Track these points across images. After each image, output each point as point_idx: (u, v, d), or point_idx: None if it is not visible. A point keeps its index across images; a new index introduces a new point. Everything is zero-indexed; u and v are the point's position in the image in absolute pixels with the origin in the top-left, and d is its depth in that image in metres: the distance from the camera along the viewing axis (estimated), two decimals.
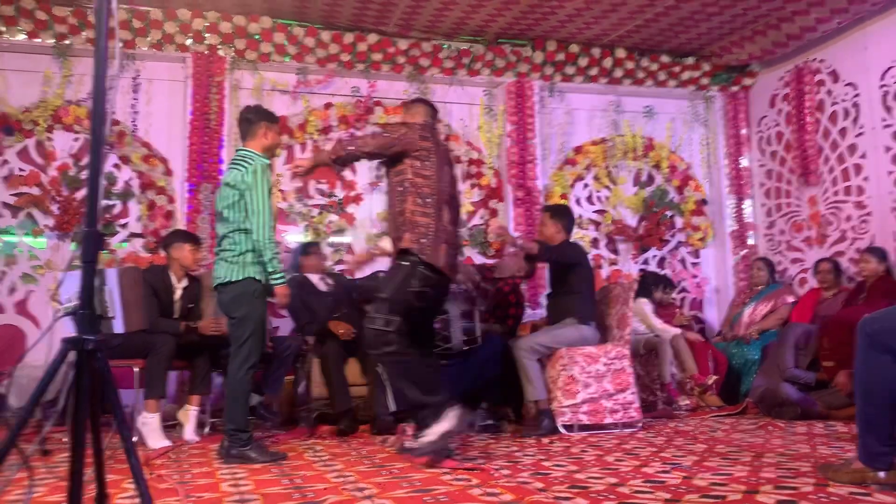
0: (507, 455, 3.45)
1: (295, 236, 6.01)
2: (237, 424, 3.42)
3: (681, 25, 6.19)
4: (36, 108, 5.56)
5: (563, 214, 4.76)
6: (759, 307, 6.01)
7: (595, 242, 6.76)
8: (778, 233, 6.74)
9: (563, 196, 6.57)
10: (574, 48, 6.51)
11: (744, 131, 7.09)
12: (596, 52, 6.58)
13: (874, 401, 2.48)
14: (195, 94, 5.82)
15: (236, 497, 2.60)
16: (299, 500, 2.51)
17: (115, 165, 5.77)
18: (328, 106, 6.21)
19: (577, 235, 6.62)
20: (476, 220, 6.53)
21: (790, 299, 5.91)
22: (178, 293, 4.55)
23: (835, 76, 6.17)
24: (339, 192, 6.21)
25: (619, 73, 6.71)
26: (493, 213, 6.46)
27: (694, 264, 7.04)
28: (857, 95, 5.93)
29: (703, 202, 7.03)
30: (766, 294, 6.05)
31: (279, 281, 3.55)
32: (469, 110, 6.65)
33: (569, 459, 3.26)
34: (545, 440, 4.00)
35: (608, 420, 4.32)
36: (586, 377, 4.35)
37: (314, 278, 5.03)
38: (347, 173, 6.22)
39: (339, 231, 6.17)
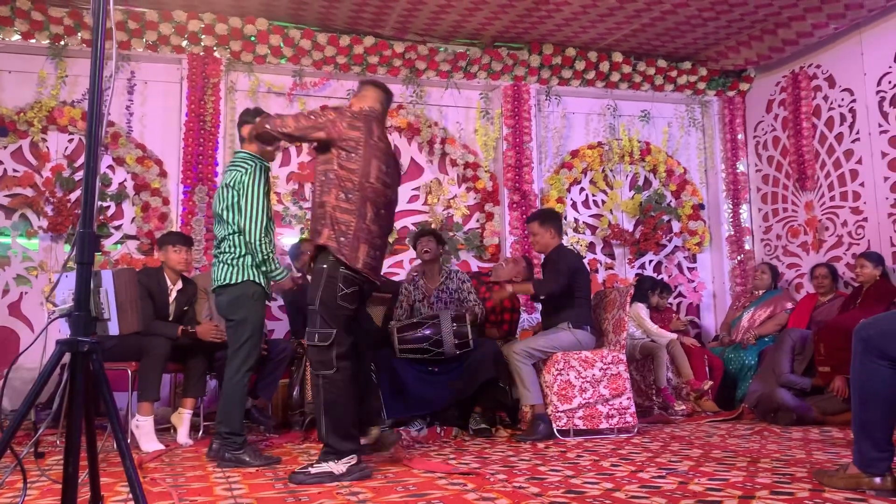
0: (503, 460, 3.44)
1: (290, 239, 6.00)
2: (232, 427, 3.41)
3: (677, 30, 6.20)
4: (30, 108, 5.55)
5: (551, 218, 4.75)
6: (759, 312, 6.02)
7: (591, 246, 6.76)
8: (774, 238, 6.76)
9: (560, 200, 6.57)
10: (571, 52, 6.52)
11: (740, 136, 7.11)
12: (593, 55, 6.59)
13: (870, 406, 2.47)
14: (190, 95, 5.80)
15: (230, 501, 2.58)
16: None
17: (110, 167, 5.75)
18: (324, 109, 6.19)
19: (573, 239, 6.63)
20: (472, 224, 6.53)
21: (789, 305, 5.92)
22: (172, 295, 4.52)
23: (831, 81, 6.18)
24: None
25: (615, 76, 6.72)
26: (490, 216, 6.45)
27: (690, 269, 7.05)
28: (853, 101, 5.95)
29: (700, 206, 7.04)
30: (766, 300, 6.06)
31: (279, 276, 3.57)
32: (465, 113, 6.65)
33: (564, 464, 3.25)
34: (541, 445, 3.99)
35: (604, 425, 4.32)
36: (582, 382, 4.34)
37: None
38: None
39: None
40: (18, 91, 5.60)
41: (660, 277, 6.74)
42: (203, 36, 5.83)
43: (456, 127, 6.59)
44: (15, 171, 5.55)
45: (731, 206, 7.02)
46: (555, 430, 4.25)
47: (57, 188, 5.54)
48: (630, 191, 6.95)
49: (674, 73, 6.85)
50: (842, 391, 4.48)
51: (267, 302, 3.66)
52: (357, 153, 3.10)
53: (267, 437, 4.49)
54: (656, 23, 6.05)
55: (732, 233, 6.98)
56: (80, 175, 5.59)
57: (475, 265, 6.39)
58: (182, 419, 4.28)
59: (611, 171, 6.91)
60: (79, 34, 5.61)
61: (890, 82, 5.63)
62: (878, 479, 2.44)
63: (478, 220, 6.54)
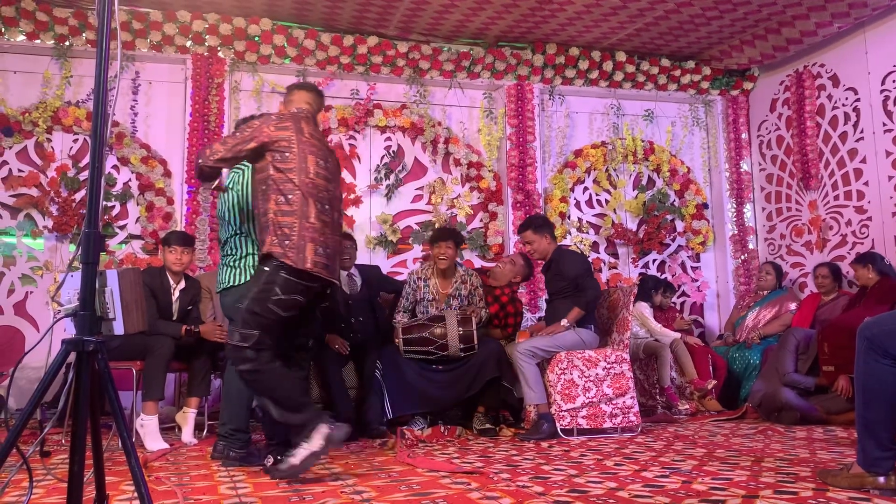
0: (507, 459, 3.44)
1: None
2: (237, 424, 3.42)
3: (681, 29, 6.20)
4: (35, 109, 5.57)
5: (543, 225, 4.74)
6: (764, 312, 6.01)
7: (595, 246, 6.76)
8: (778, 237, 6.75)
9: (563, 199, 6.57)
10: (574, 51, 6.52)
11: (744, 135, 7.10)
12: (596, 55, 6.59)
13: (874, 406, 2.47)
14: (195, 95, 5.82)
15: (234, 500, 2.59)
16: None
17: (114, 167, 5.77)
18: (328, 108, 6.21)
19: (577, 239, 6.63)
20: (476, 223, 6.53)
21: (793, 306, 5.91)
22: (175, 295, 4.54)
23: (835, 80, 6.17)
24: None
25: (619, 76, 6.72)
26: (493, 216, 6.46)
27: (694, 268, 7.04)
28: (857, 100, 5.94)
29: (704, 206, 7.03)
30: (771, 300, 6.05)
31: None
32: (469, 113, 6.65)
33: (568, 463, 3.25)
34: (544, 444, 3.99)
35: (607, 424, 4.32)
36: (586, 381, 4.34)
37: (342, 274, 4.98)
38: (346, 176, 6.22)
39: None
40: (23, 91, 5.62)
41: (663, 277, 6.74)
42: (207, 36, 5.84)
43: (459, 126, 6.59)
44: (20, 171, 5.57)
45: (734, 206, 7.01)
46: (558, 429, 4.25)
47: (62, 188, 5.56)
48: (634, 190, 6.94)
49: (677, 73, 6.85)
50: (846, 390, 4.48)
51: None
52: (291, 151, 3.04)
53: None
54: (660, 22, 6.05)
55: (736, 232, 6.98)
56: (84, 175, 5.61)
57: (479, 264, 6.39)
58: (186, 418, 4.29)
59: (614, 170, 6.91)
60: (83, 34, 5.62)
61: (894, 81, 5.62)
62: (881, 479, 2.44)
63: (481, 220, 6.54)
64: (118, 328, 3.61)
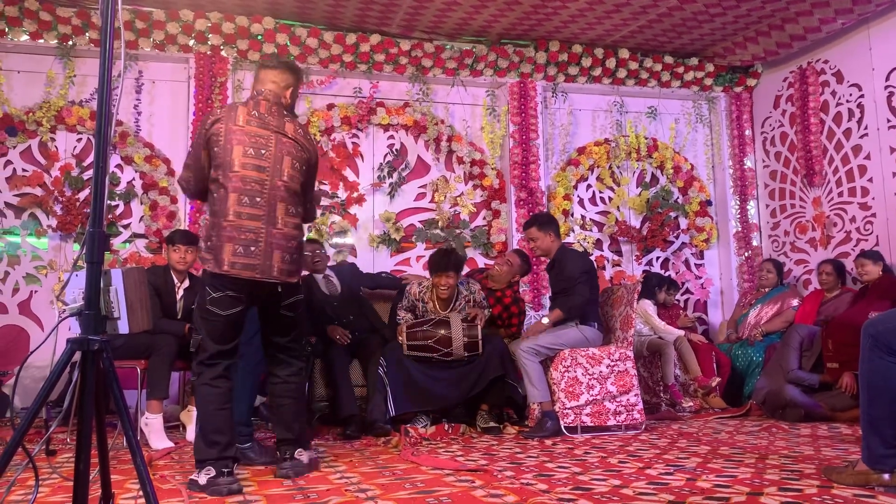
0: (511, 456, 3.45)
1: None
2: (239, 417, 3.41)
3: (684, 26, 6.19)
4: (39, 108, 5.57)
5: (548, 222, 4.74)
6: (766, 309, 6.00)
7: (598, 243, 6.75)
8: (782, 234, 6.73)
9: (567, 196, 6.57)
10: (577, 48, 6.51)
11: (748, 132, 7.08)
12: (599, 52, 6.58)
13: (878, 402, 2.47)
14: (198, 94, 5.82)
15: (239, 498, 2.60)
16: (302, 502, 2.50)
17: (118, 166, 5.77)
18: (331, 107, 6.21)
19: (580, 236, 6.62)
20: (479, 221, 6.53)
21: (795, 302, 5.90)
22: (179, 293, 4.54)
23: (839, 77, 6.16)
24: (342, 193, 6.21)
25: (622, 73, 6.71)
26: (496, 213, 6.45)
27: (698, 265, 7.03)
28: (861, 96, 5.92)
29: (708, 203, 7.02)
30: (773, 296, 6.04)
31: None
32: (472, 111, 6.65)
33: (572, 461, 3.25)
34: (548, 442, 4.00)
35: (611, 422, 4.32)
36: (589, 379, 4.34)
37: (318, 277, 5.01)
38: (349, 174, 6.23)
39: (342, 232, 6.17)
40: (27, 91, 5.63)
41: (667, 274, 6.73)
42: (210, 35, 5.84)
43: (462, 124, 6.59)
44: (24, 170, 5.59)
45: (738, 203, 7.00)
46: (562, 426, 4.26)
47: (66, 187, 5.57)
48: (637, 187, 6.93)
49: (681, 70, 6.83)
50: (850, 387, 4.47)
51: None
52: (219, 146, 2.88)
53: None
54: (663, 19, 6.03)
55: (740, 229, 6.96)
56: (88, 174, 5.63)
57: (482, 262, 6.39)
58: (191, 417, 4.29)
59: (618, 167, 6.90)
60: (87, 34, 5.63)
61: None
62: (886, 476, 2.44)
63: (484, 218, 6.54)
64: (123, 327, 3.62)
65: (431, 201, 6.45)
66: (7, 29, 5.51)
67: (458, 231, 6.38)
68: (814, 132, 6.30)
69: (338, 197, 6.19)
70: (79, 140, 5.73)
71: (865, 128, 5.87)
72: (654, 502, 2.32)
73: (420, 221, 6.38)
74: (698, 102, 7.15)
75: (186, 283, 4.58)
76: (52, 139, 5.66)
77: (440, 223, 6.34)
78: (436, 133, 6.38)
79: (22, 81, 5.64)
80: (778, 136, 6.82)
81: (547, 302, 6.29)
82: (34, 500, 1.69)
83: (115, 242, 5.69)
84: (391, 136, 6.43)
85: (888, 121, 5.65)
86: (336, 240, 6.16)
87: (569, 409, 4.28)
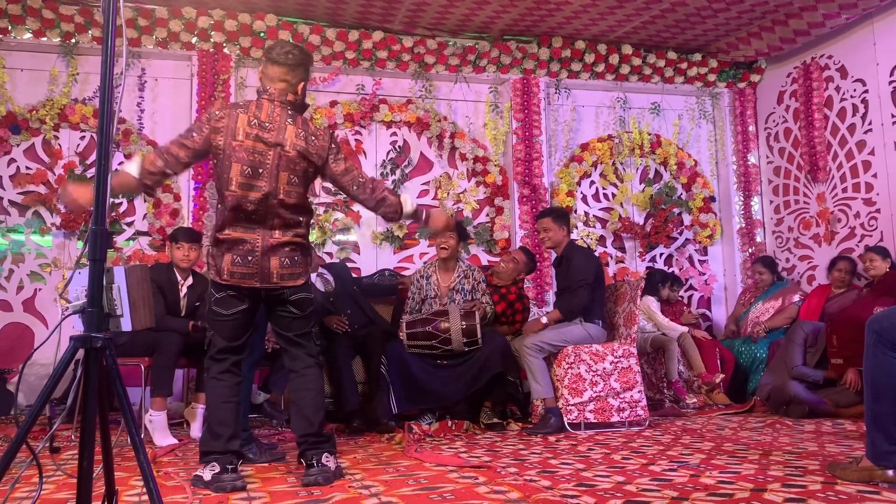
0: (514, 453, 3.45)
1: None
2: None
3: (687, 21, 6.17)
4: (42, 106, 5.58)
5: (563, 216, 4.79)
6: (767, 305, 5.99)
7: (602, 240, 6.75)
8: (786, 230, 6.72)
9: (570, 193, 6.56)
10: (580, 44, 6.50)
11: (751, 128, 7.06)
12: (602, 48, 6.56)
13: (883, 398, 2.46)
14: (200, 91, 5.82)
15: (243, 495, 2.60)
16: (305, 499, 2.51)
17: (121, 164, 5.77)
18: (333, 104, 6.20)
19: (584, 233, 6.61)
20: (482, 218, 6.53)
21: (796, 298, 5.88)
22: (182, 291, 4.55)
23: (843, 72, 6.13)
24: None
25: (625, 69, 6.69)
26: (499, 210, 6.45)
27: (701, 262, 7.01)
28: (865, 91, 5.90)
29: (711, 199, 7.00)
30: (773, 293, 6.02)
31: None
32: (475, 107, 6.64)
33: (575, 457, 3.25)
34: (552, 438, 4.00)
35: (615, 418, 4.32)
36: (593, 375, 4.34)
37: (312, 276, 5.02)
38: None
39: (345, 229, 6.17)
40: (30, 89, 5.63)
41: (671, 270, 6.72)
42: (212, 32, 5.84)
43: (465, 121, 6.58)
44: (28, 168, 5.60)
45: (742, 199, 6.98)
46: (566, 423, 4.26)
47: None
48: (640, 184, 6.92)
49: (684, 65, 6.81)
50: (855, 383, 4.46)
51: None
52: (218, 158, 2.87)
53: (279, 431, 4.52)
54: (666, 14, 6.01)
55: (744, 225, 6.95)
56: (92, 172, 5.63)
57: (485, 259, 6.39)
58: (195, 414, 4.31)
59: (621, 164, 6.88)
60: (89, 32, 5.63)
61: None
62: (890, 472, 2.43)
63: (487, 215, 6.54)
64: (126, 325, 3.62)
65: (434, 198, 6.44)
66: (10, 27, 5.51)
67: (465, 228, 6.37)
68: (818, 128, 6.28)
69: (340, 194, 6.18)
70: (82, 138, 5.74)
71: (870, 123, 5.85)
72: (657, 499, 2.32)
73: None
74: (702, 98, 7.13)
75: (190, 280, 4.59)
76: (56, 137, 5.67)
77: None
78: (439, 130, 6.38)
79: (25, 79, 5.65)
80: (782, 131, 6.80)
81: (550, 298, 6.30)
82: (38, 497, 1.70)
83: (119, 240, 5.70)
84: (394, 133, 6.42)
85: (893, 116, 5.63)
86: (339, 237, 6.16)
87: (572, 405, 4.28)
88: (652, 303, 5.88)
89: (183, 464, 3.34)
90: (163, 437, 4.00)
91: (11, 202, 5.55)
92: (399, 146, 6.41)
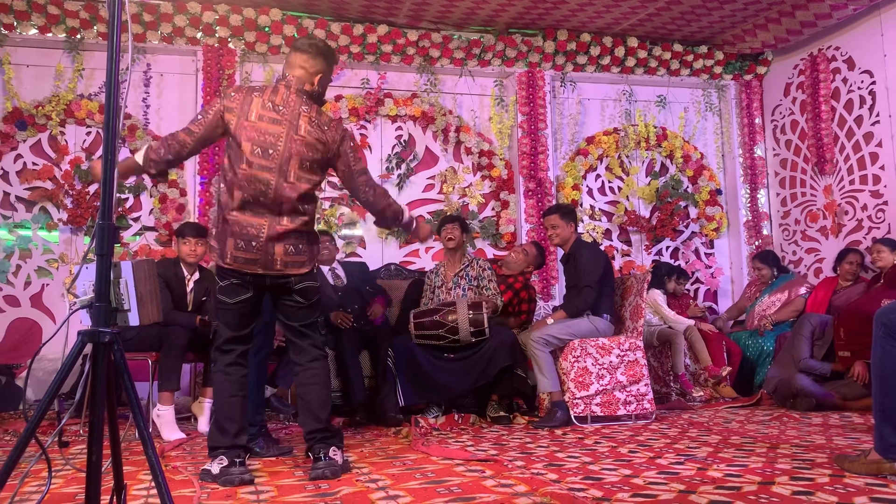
0: (521, 446, 3.45)
1: None
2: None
3: (693, 13, 6.14)
4: (48, 102, 5.60)
5: (571, 213, 4.78)
6: (772, 298, 5.96)
7: (608, 233, 6.73)
8: (793, 222, 6.69)
9: (576, 187, 6.54)
10: (586, 37, 6.47)
11: (758, 120, 7.04)
12: (608, 41, 6.53)
13: (891, 391, 2.46)
14: (206, 87, 5.83)
15: (251, 488, 2.61)
16: (313, 492, 2.51)
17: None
18: (338, 98, 6.20)
19: (589, 226, 6.60)
20: (487, 212, 6.52)
21: (802, 290, 5.86)
22: (189, 286, 4.56)
23: (850, 63, 6.10)
24: None
25: (631, 62, 6.67)
26: (505, 204, 6.44)
27: (708, 255, 7.00)
28: (873, 83, 5.86)
29: (718, 192, 6.98)
30: (780, 285, 5.99)
31: None
32: (480, 101, 6.62)
33: (582, 451, 3.25)
34: (558, 432, 4.00)
35: (622, 412, 4.31)
36: (599, 369, 4.34)
37: (324, 269, 5.03)
38: None
39: (351, 224, 6.17)
40: (36, 85, 5.65)
41: (677, 264, 6.70)
42: (217, 27, 5.84)
43: (470, 115, 6.57)
44: (34, 164, 5.62)
45: (748, 191, 6.96)
46: (572, 416, 4.26)
47: (76, 181, 5.60)
48: (646, 177, 6.90)
49: (690, 58, 6.78)
50: (862, 376, 4.45)
51: None
52: (230, 137, 2.85)
53: (287, 425, 4.53)
54: (672, 6, 5.98)
55: (750, 218, 6.92)
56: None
57: (491, 253, 6.38)
58: (202, 408, 4.32)
59: (627, 157, 6.87)
60: (95, 27, 5.64)
61: None
62: None
63: (493, 209, 6.53)
64: (133, 319, 3.63)
65: (440, 192, 6.44)
66: (16, 23, 5.53)
67: (467, 222, 6.37)
68: (825, 120, 6.25)
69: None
70: (88, 133, 5.76)
71: (877, 115, 5.82)
72: (664, 492, 2.32)
73: (429, 213, 6.38)
74: (708, 91, 7.10)
75: (197, 275, 4.60)
76: (62, 133, 5.69)
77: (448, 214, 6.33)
78: (444, 124, 6.37)
79: (31, 75, 5.66)
80: (788, 123, 6.76)
81: (556, 292, 6.29)
82: (47, 491, 1.71)
83: (126, 235, 5.72)
84: (399, 128, 6.42)
85: None
86: (345, 231, 6.16)
87: (579, 398, 4.28)
88: (658, 296, 5.87)
89: (191, 458, 3.36)
90: (170, 432, 4.02)
91: (18, 198, 5.57)
92: (404, 140, 6.41)
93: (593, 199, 6.76)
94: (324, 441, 2.88)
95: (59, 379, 1.61)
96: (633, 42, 6.58)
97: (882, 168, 5.76)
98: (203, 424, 4.27)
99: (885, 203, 5.71)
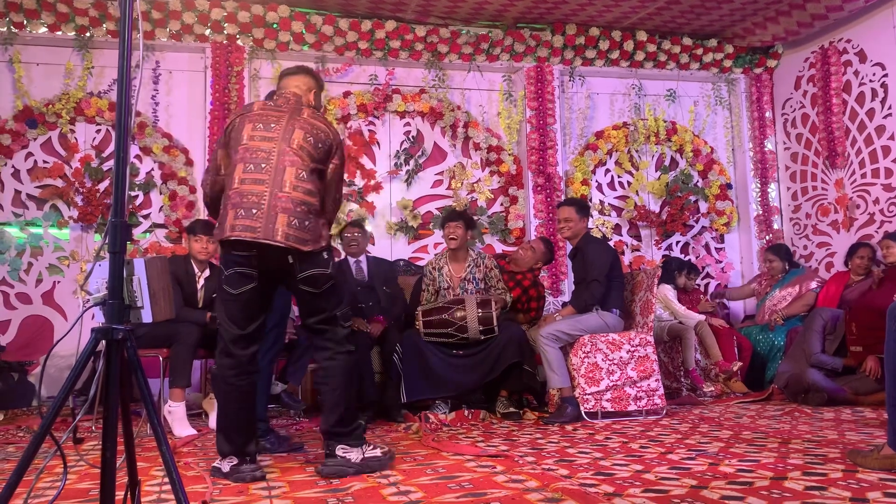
0: (531, 442, 3.45)
1: None
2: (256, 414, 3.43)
3: (703, 7, 6.10)
4: (58, 100, 5.62)
5: (586, 208, 4.83)
6: (783, 293, 5.93)
7: (617, 228, 6.71)
8: (804, 217, 6.65)
9: (585, 182, 6.53)
10: (594, 31, 6.45)
11: (768, 114, 6.99)
12: (617, 35, 6.50)
13: None
14: (214, 84, 5.84)
15: (262, 484, 2.62)
16: (325, 488, 2.52)
17: (137, 156, 5.81)
18: (347, 94, 6.20)
19: (599, 221, 6.58)
20: (496, 208, 6.51)
21: (813, 285, 5.82)
22: (200, 282, 4.58)
23: (862, 56, 6.05)
24: (359, 181, 6.21)
25: (640, 56, 6.63)
26: (514, 200, 6.43)
27: (718, 249, 6.97)
28: (885, 75, 5.81)
29: (728, 186, 6.94)
30: (790, 280, 5.96)
31: None
32: (488, 96, 6.61)
33: (593, 446, 3.25)
34: (569, 427, 3.99)
35: (632, 407, 4.30)
36: (609, 364, 4.33)
37: (351, 261, 5.04)
38: (366, 162, 6.23)
39: (360, 220, 6.17)
40: (46, 83, 5.67)
41: (687, 259, 6.68)
42: (226, 24, 5.85)
43: (479, 110, 6.56)
44: (45, 162, 5.64)
45: (759, 186, 6.92)
46: (582, 412, 4.25)
47: (86, 178, 5.63)
48: (656, 171, 6.87)
49: (699, 51, 6.75)
50: (874, 371, 4.42)
51: None
52: (234, 134, 2.87)
53: (297, 421, 4.55)
54: (681, 0, 5.95)
55: (761, 212, 6.89)
56: (108, 165, 5.67)
57: (500, 248, 6.37)
58: (213, 404, 4.32)
59: (636, 151, 6.84)
60: (104, 25, 5.66)
61: None
62: None
63: (502, 204, 6.52)
64: (146, 316, 3.64)
65: (448, 188, 6.43)
66: (26, 21, 5.55)
67: (475, 218, 6.36)
68: (836, 113, 6.21)
69: (355, 185, 6.19)
70: (98, 131, 5.78)
71: (889, 108, 5.77)
72: (676, 487, 2.31)
73: (437, 208, 6.37)
74: (718, 84, 7.06)
75: (207, 272, 4.61)
76: (72, 130, 5.71)
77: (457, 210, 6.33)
78: (452, 119, 6.36)
79: (41, 73, 5.69)
80: (799, 117, 6.72)
81: (565, 287, 6.28)
82: (63, 488, 1.72)
83: (136, 233, 5.74)
84: (407, 124, 6.41)
85: None
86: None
87: (589, 394, 4.27)
88: (668, 291, 5.85)
89: (202, 454, 3.37)
90: (182, 428, 4.04)
91: (29, 196, 5.60)
92: (412, 136, 6.40)
93: (603, 194, 6.74)
94: (334, 439, 2.82)
95: (74, 376, 1.61)
96: (642, 36, 6.55)
97: (894, 161, 5.72)
98: (213, 421, 4.28)
99: None
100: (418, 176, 6.36)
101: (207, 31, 5.88)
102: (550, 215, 6.27)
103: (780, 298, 5.91)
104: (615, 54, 6.59)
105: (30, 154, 5.63)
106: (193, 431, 4.04)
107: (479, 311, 4.46)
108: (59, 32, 5.64)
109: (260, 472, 2.72)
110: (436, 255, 5.16)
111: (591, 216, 6.55)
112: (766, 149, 6.94)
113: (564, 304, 4.81)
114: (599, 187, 6.73)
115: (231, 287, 2.79)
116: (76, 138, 5.72)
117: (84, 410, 2.42)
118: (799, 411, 4.35)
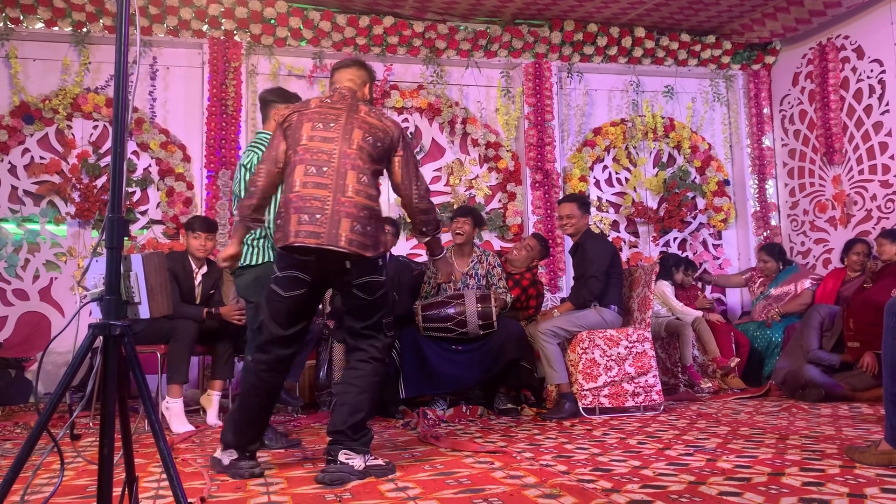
0: (529, 438, 3.45)
1: None
2: None
3: (701, 3, 6.09)
4: (55, 96, 5.61)
5: (588, 206, 4.85)
6: (777, 292, 5.93)
7: (615, 225, 6.72)
8: (801, 213, 6.66)
9: (583, 178, 6.52)
10: (592, 28, 6.44)
11: (766, 110, 6.99)
12: (615, 31, 6.50)
13: None
14: (212, 79, 5.83)
15: (260, 481, 2.62)
16: (322, 484, 2.52)
17: (134, 152, 5.80)
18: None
19: (597, 217, 6.58)
20: (494, 204, 6.51)
21: (807, 283, 5.83)
22: (197, 279, 4.57)
23: (860, 52, 6.05)
24: None
25: (638, 52, 6.63)
26: (512, 196, 6.43)
27: (716, 246, 6.97)
28: (882, 72, 5.82)
29: (725, 183, 6.95)
30: (785, 278, 5.96)
31: None
32: (486, 93, 6.60)
33: (591, 442, 3.25)
34: (567, 423, 4.00)
35: (630, 403, 4.31)
36: (607, 360, 4.33)
37: None
38: None
39: None
40: (43, 79, 5.66)
41: (685, 255, 6.68)
42: (223, 20, 5.84)
43: (477, 106, 6.55)
44: (42, 158, 5.63)
45: (756, 182, 6.92)
46: (580, 408, 4.25)
47: (83, 175, 5.61)
48: (654, 168, 6.87)
49: (697, 48, 6.75)
50: (871, 367, 4.43)
51: None
52: (291, 130, 2.84)
53: (295, 417, 4.55)
54: None
55: (758, 209, 6.89)
56: (105, 161, 5.66)
57: (497, 245, 6.37)
58: (211, 401, 4.34)
59: (634, 148, 6.84)
60: (101, 21, 5.64)
61: None
62: None
63: (500, 201, 6.52)
64: (144, 312, 3.63)
65: (446, 184, 6.43)
66: (22, 17, 5.53)
67: (482, 216, 6.35)
68: (834, 109, 6.21)
69: None
70: (95, 127, 5.77)
71: (887, 104, 5.77)
72: (674, 483, 2.31)
73: (436, 205, 6.35)
74: (716, 81, 7.06)
75: (205, 268, 4.61)
76: (69, 126, 5.70)
77: (455, 206, 6.32)
78: (450, 115, 6.35)
79: (38, 69, 5.67)
80: (797, 113, 6.72)
81: (563, 283, 6.28)
82: (60, 484, 1.71)
83: (133, 229, 5.73)
84: (405, 119, 6.40)
85: None
86: None
87: (587, 390, 4.28)
88: (666, 287, 5.85)
89: (200, 450, 3.37)
90: (180, 424, 4.03)
91: (26, 192, 5.59)
92: (410, 132, 6.39)
93: (600, 190, 6.74)
94: (339, 443, 2.70)
95: (71, 372, 1.61)
96: (640, 32, 6.54)
97: (892, 158, 5.73)
98: (212, 417, 4.29)
99: (895, 193, 5.67)
100: None
101: (205, 27, 5.86)
102: (548, 212, 6.27)
103: (776, 297, 5.92)
104: (613, 51, 6.58)
105: (27, 150, 5.62)
106: (191, 428, 4.04)
107: (479, 305, 4.46)
108: (56, 28, 5.62)
109: (258, 468, 2.72)
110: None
111: (590, 212, 6.55)
112: (763, 145, 6.94)
113: (563, 300, 4.81)
114: (597, 184, 6.73)
115: (281, 289, 2.74)
116: (73, 134, 5.70)
117: (81, 406, 2.41)
118: (796, 407, 4.35)
